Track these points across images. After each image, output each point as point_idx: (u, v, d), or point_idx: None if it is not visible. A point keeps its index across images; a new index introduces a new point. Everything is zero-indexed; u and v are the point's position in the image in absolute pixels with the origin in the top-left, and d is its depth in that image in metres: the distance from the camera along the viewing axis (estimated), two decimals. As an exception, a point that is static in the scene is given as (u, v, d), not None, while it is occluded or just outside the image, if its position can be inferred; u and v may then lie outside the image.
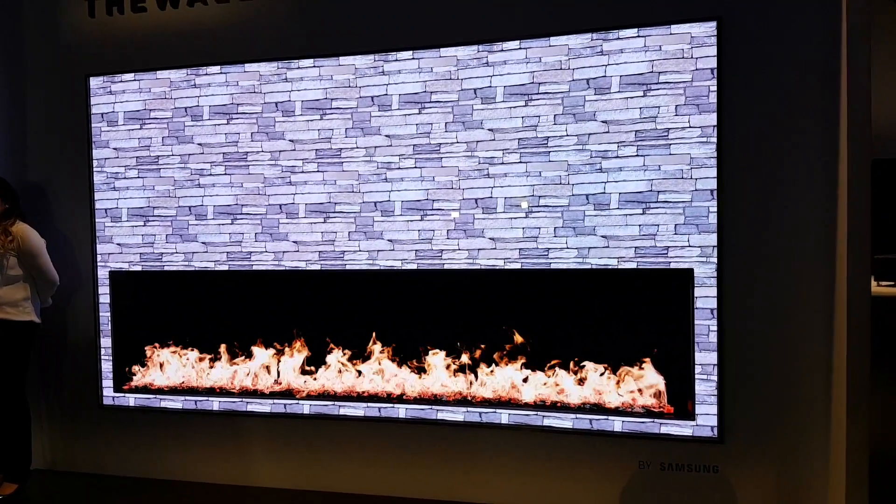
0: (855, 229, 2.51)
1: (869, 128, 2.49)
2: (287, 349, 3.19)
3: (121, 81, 3.34)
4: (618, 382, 2.82)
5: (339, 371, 3.13)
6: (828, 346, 2.65)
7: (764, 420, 2.73)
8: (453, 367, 3.00)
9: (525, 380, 2.92)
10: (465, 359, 2.98)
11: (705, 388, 2.72)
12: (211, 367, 3.28)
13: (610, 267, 2.80)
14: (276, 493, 3.21)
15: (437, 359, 3.01)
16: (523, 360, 2.92)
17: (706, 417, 2.73)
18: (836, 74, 2.58)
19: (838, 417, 2.59)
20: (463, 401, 3.00)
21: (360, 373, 3.11)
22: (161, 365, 3.34)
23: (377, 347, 3.09)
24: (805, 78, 2.64)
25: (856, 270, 2.51)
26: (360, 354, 3.11)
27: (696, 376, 2.73)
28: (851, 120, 2.50)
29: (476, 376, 2.98)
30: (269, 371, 3.21)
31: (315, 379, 3.16)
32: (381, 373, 3.09)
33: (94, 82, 3.37)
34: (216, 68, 3.20)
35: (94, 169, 3.38)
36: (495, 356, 2.95)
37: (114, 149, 3.36)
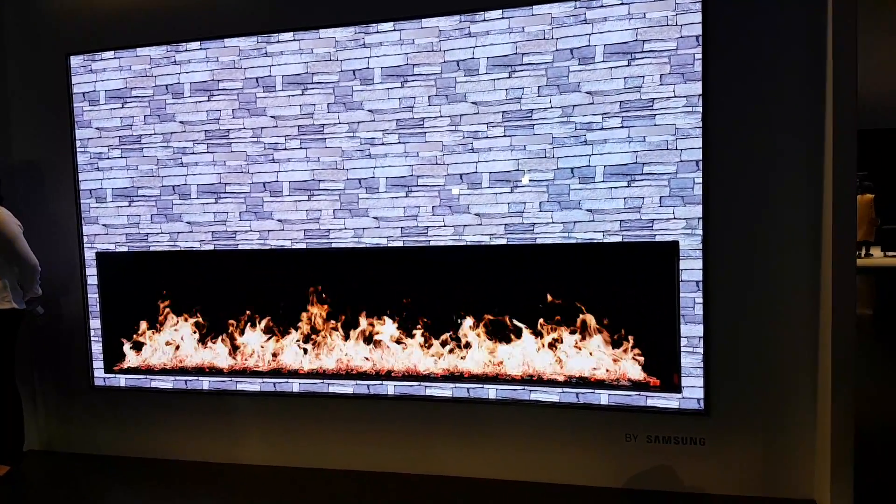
0: (841, 199, 2.47)
1: (855, 97, 2.44)
2: (274, 328, 3.19)
3: (101, 59, 3.29)
4: (607, 357, 2.82)
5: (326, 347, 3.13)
6: (814, 318, 2.63)
7: (750, 392, 2.73)
8: (439, 343, 2.99)
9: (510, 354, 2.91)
10: (448, 336, 2.98)
11: (691, 360, 2.71)
12: (203, 347, 3.28)
13: (595, 241, 2.78)
14: (266, 470, 3.24)
15: (417, 337, 3.01)
16: (509, 335, 2.91)
17: (692, 390, 2.73)
18: (822, 42, 2.51)
19: (824, 389, 2.58)
20: (450, 377, 3.00)
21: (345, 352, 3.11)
22: (151, 345, 3.35)
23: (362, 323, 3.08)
24: (791, 46, 2.58)
25: (841, 242, 2.47)
26: (348, 326, 3.11)
27: (682, 349, 2.72)
28: (838, 89, 2.45)
29: (462, 348, 2.97)
30: (262, 349, 3.22)
31: (309, 356, 3.16)
32: (379, 346, 3.09)
33: (75, 61, 3.33)
34: (196, 44, 3.15)
35: (78, 149, 3.35)
36: (478, 332, 2.94)
37: (96, 128, 3.32)
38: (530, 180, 2.82)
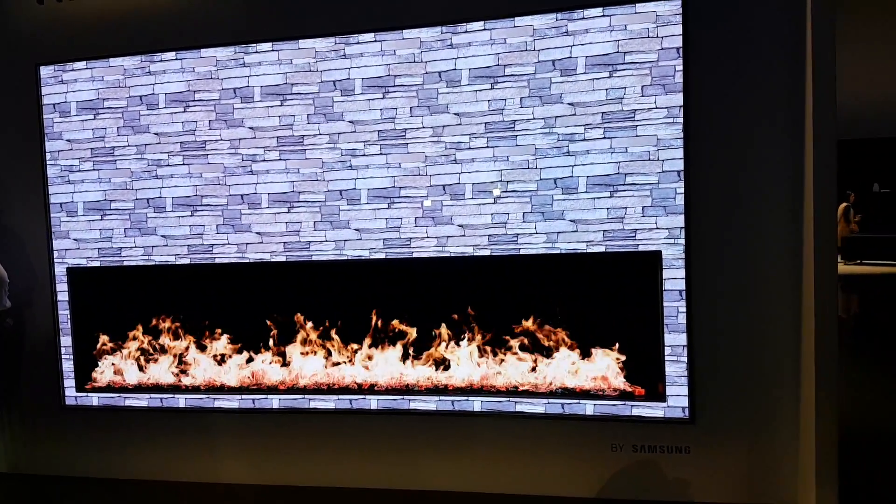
0: (822, 210, 2.50)
1: (834, 108, 2.49)
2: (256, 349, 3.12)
3: (72, 70, 3.20)
4: (591, 367, 2.81)
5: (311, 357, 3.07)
6: (796, 326, 2.66)
7: (734, 400, 2.74)
8: (422, 357, 2.96)
9: (498, 366, 2.89)
10: (433, 350, 2.94)
11: (675, 369, 2.72)
12: (180, 363, 3.19)
13: (579, 251, 2.77)
14: (244, 489, 3.15)
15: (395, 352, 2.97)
16: (491, 347, 2.89)
17: (677, 399, 2.74)
18: (802, 54, 2.56)
19: (808, 395, 2.61)
20: (435, 390, 2.96)
21: (332, 361, 3.05)
22: (124, 363, 3.24)
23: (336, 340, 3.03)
24: (771, 57, 2.63)
25: (823, 250, 2.51)
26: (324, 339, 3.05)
27: (666, 358, 2.72)
28: (817, 99, 2.49)
29: (447, 366, 2.94)
30: (240, 366, 3.14)
31: (290, 372, 3.10)
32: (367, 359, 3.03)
33: (45, 71, 3.23)
34: (171, 54, 3.08)
35: (48, 162, 3.25)
36: (462, 341, 2.91)
37: (67, 140, 3.23)
38: (512, 190, 2.82)
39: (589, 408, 2.83)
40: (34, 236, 3.31)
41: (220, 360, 3.15)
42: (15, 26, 3.29)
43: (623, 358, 2.77)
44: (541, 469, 2.94)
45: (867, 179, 10.78)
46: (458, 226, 2.89)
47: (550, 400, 2.85)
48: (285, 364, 3.09)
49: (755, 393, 2.73)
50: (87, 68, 3.18)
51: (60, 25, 3.24)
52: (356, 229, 2.98)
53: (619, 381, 2.78)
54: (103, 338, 3.26)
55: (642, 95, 2.66)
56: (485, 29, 2.80)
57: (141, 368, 3.23)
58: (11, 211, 3.34)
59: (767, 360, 2.71)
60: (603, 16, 2.68)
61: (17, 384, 3.44)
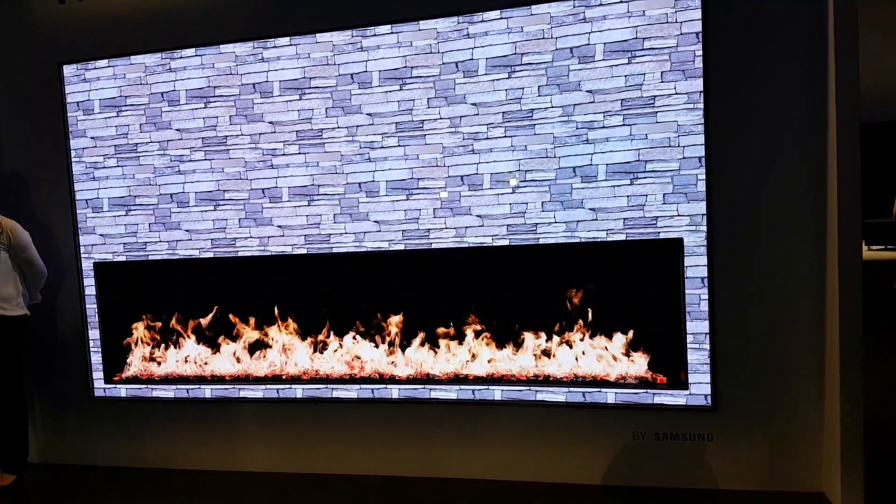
0: (845, 195, 2.47)
1: (857, 91, 2.44)
2: (280, 326, 3.16)
3: (94, 68, 3.25)
4: (613, 356, 2.81)
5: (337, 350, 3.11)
6: (820, 313, 2.64)
7: (757, 388, 2.73)
8: (444, 344, 2.98)
9: (515, 351, 2.90)
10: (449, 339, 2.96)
11: (698, 357, 2.71)
12: (211, 351, 3.25)
13: (599, 240, 2.77)
14: (268, 477, 3.21)
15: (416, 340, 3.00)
16: (515, 335, 2.90)
17: (699, 386, 2.73)
18: (823, 35, 2.52)
19: (832, 384, 2.59)
20: (455, 379, 2.98)
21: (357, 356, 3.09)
22: (152, 354, 3.31)
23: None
24: (792, 40, 2.58)
25: (847, 236, 2.48)
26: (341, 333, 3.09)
27: (689, 345, 2.71)
28: (840, 83, 2.45)
29: (471, 354, 2.96)
30: (265, 357, 3.19)
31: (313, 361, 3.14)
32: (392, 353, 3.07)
33: (68, 70, 3.29)
34: (191, 51, 3.12)
35: (73, 159, 3.31)
36: (473, 331, 2.92)
37: (91, 138, 3.28)
38: (531, 180, 2.81)
39: (610, 396, 2.83)
40: (61, 232, 3.38)
41: (249, 349, 3.20)
42: (38, 26, 3.35)
43: (644, 346, 2.76)
44: (563, 457, 2.95)
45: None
46: (477, 216, 2.90)
47: (571, 388, 2.86)
48: (319, 350, 3.13)
49: (778, 380, 2.71)
50: (108, 66, 3.23)
51: (82, 25, 3.29)
52: (375, 221, 3.00)
53: (642, 369, 2.78)
54: (135, 327, 3.32)
55: (662, 81, 2.64)
56: (501, 18, 2.79)
57: (167, 360, 3.29)
58: (40, 207, 3.41)
59: (791, 347, 2.69)
60: (621, 2, 2.65)
61: (47, 377, 3.52)
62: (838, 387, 2.52)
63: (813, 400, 2.68)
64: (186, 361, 3.27)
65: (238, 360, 3.21)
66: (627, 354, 2.79)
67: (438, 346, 2.99)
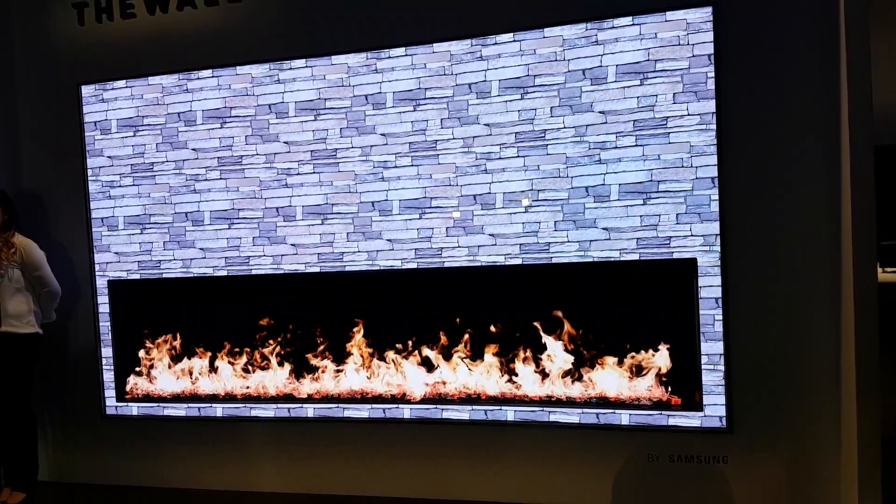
0: (860, 215, 2.46)
1: (870, 112, 2.45)
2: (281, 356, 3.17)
3: (112, 89, 3.31)
4: (629, 376, 2.80)
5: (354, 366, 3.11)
6: (836, 333, 2.62)
7: (773, 409, 2.70)
8: (457, 362, 2.97)
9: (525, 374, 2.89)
10: (458, 357, 2.96)
11: (713, 378, 2.69)
12: (216, 373, 3.25)
13: (612, 259, 2.77)
14: (278, 498, 3.19)
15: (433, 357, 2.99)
16: (526, 355, 2.89)
17: (714, 408, 2.70)
18: (835, 58, 2.54)
19: (849, 405, 2.56)
20: (468, 399, 2.97)
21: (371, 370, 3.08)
22: (164, 373, 3.32)
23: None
24: (804, 62, 2.60)
25: (862, 256, 2.47)
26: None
27: (703, 367, 2.70)
28: (853, 104, 2.46)
29: (485, 372, 2.95)
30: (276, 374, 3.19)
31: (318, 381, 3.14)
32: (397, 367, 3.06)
33: (86, 90, 3.34)
34: (208, 72, 3.17)
35: (89, 178, 3.35)
36: (483, 349, 2.92)
37: (108, 157, 3.33)
38: (543, 199, 2.83)
39: (624, 417, 2.81)
40: (77, 250, 3.41)
41: (262, 367, 3.20)
42: (57, 47, 3.41)
43: (658, 367, 2.75)
44: (576, 479, 2.92)
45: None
46: (490, 235, 2.91)
47: (585, 410, 2.84)
48: (340, 367, 3.13)
49: (794, 401, 2.69)
50: (126, 87, 3.28)
51: (100, 46, 3.35)
52: (388, 240, 3.02)
53: (656, 390, 2.76)
54: (145, 347, 3.33)
55: (674, 102, 2.66)
56: (514, 40, 2.83)
57: (178, 378, 3.29)
58: (56, 225, 3.45)
59: (807, 368, 2.67)
60: (633, 24, 2.69)
61: (60, 394, 3.53)
62: (855, 407, 2.50)
63: (830, 421, 2.65)
64: (197, 379, 3.27)
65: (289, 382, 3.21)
66: (641, 375, 2.77)
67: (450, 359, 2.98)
